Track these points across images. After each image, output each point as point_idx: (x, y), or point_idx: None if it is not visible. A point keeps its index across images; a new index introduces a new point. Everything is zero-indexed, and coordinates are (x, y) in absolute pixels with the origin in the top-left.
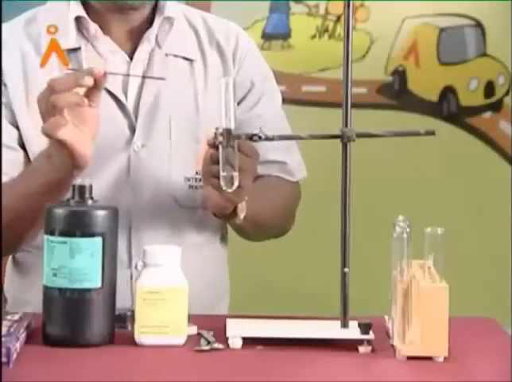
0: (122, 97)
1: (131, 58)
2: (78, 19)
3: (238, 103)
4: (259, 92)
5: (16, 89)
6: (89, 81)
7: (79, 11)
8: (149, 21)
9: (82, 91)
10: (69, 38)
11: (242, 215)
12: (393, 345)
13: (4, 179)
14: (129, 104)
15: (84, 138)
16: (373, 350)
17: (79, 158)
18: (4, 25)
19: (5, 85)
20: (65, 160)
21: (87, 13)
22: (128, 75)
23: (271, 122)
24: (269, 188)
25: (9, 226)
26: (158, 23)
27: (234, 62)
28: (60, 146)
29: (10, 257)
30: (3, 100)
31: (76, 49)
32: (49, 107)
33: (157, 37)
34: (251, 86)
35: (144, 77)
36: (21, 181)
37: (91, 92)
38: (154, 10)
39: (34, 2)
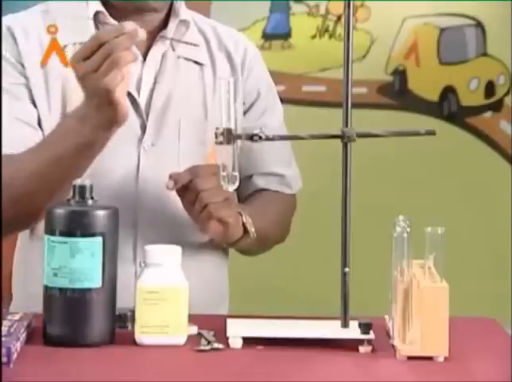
0: (135, 94)
1: (145, 58)
2: (96, 15)
3: (246, 112)
4: (264, 103)
5: (33, 70)
6: (142, 35)
7: (98, 7)
8: (164, 24)
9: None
10: (87, 33)
11: (252, 229)
12: (393, 345)
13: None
14: (142, 103)
15: (124, 95)
16: (373, 350)
17: (122, 114)
18: (22, 13)
19: (22, 65)
20: (102, 119)
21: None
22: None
23: (276, 132)
24: (269, 203)
25: (32, 193)
26: (174, 25)
27: (242, 70)
28: (108, 103)
29: (18, 247)
30: (22, 81)
31: None
32: (106, 61)
33: (171, 39)
34: (257, 96)
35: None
36: (48, 144)
37: None
38: (169, 13)
39: (34, 2)
